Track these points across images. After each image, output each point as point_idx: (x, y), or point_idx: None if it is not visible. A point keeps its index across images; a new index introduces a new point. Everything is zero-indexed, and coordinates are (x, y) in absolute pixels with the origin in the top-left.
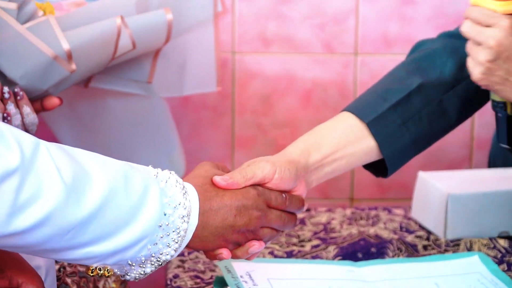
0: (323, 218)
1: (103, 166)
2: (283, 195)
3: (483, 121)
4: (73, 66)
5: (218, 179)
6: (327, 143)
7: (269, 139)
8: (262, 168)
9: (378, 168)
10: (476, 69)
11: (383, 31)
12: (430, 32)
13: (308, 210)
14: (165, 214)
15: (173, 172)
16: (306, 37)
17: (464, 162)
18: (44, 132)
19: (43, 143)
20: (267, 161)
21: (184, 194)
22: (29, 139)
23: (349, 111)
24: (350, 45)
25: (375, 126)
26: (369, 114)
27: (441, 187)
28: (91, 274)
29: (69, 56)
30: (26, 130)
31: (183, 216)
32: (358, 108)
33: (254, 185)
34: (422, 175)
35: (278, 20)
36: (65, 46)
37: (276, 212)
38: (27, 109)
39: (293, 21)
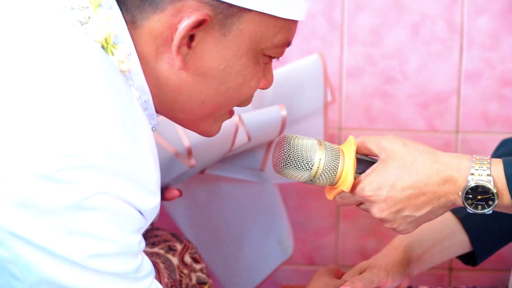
0: None
1: None
2: None
3: None
4: (193, 162)
5: None
6: (426, 238)
7: None
8: (377, 275)
9: (468, 256)
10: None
11: (484, 111)
12: None
13: None
14: None
15: None
16: (409, 115)
17: None
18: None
19: None
20: (380, 268)
21: None
22: None
23: None
24: (452, 124)
25: (468, 221)
26: (463, 209)
27: None
28: None
29: (189, 153)
30: None
31: None
32: None
33: None
34: None
35: (383, 98)
36: (186, 143)
37: None
38: None
39: (398, 99)
